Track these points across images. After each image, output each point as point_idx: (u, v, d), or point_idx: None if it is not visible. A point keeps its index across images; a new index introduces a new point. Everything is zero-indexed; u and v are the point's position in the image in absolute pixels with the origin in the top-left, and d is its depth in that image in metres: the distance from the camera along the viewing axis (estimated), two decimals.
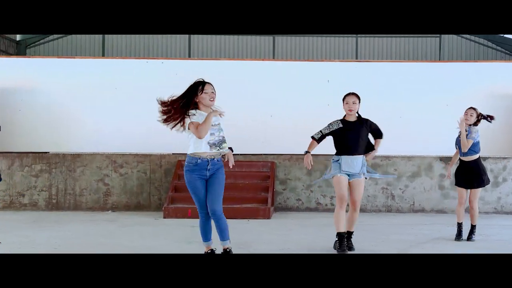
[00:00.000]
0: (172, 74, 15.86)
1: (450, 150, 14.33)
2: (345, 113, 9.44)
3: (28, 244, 9.73)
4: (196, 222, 10.99)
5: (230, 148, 7.87)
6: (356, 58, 21.49)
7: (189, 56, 21.60)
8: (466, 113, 10.75)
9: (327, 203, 14.97)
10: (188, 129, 7.62)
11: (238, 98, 15.33)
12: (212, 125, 7.62)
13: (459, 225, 10.71)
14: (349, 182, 9.21)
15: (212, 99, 7.75)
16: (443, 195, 14.82)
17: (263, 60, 17.63)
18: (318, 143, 9.54)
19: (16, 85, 16.09)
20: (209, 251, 8.02)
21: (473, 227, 10.67)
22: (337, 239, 9.19)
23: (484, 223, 12.53)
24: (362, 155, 9.31)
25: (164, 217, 13.31)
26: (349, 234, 9.42)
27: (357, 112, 9.47)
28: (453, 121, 15.29)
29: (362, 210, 14.22)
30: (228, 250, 7.81)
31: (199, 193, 7.77)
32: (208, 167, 7.68)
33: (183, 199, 13.65)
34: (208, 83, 7.85)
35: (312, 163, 9.41)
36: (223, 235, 7.79)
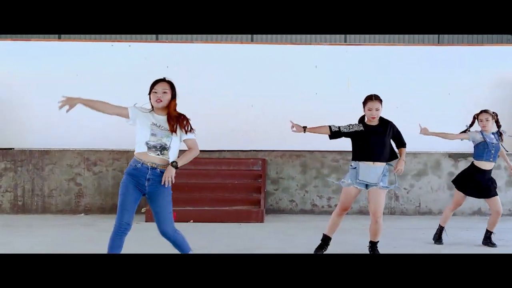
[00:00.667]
0: (141, 59, 15.36)
1: (458, 145, 13.54)
2: (365, 116, 9.01)
3: (11, 252, 9.20)
4: (184, 226, 10.15)
5: (174, 164, 7.01)
6: (345, 41, 20.42)
7: (157, 39, 20.49)
8: (480, 119, 9.98)
9: (323, 204, 14.32)
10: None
11: (215, 85, 14.81)
12: (158, 126, 7.07)
13: (442, 229, 10.45)
14: (368, 192, 8.95)
15: (158, 100, 7.09)
16: (452, 196, 13.42)
17: (241, 43, 16.66)
18: (330, 137, 9.06)
19: None
20: None
21: (490, 234, 10.27)
22: (321, 240, 9.31)
23: (502, 226, 11.74)
24: (384, 164, 8.89)
25: (146, 221, 12.48)
26: (374, 244, 9.15)
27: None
28: (455, 110, 14.85)
29: (363, 213, 13.97)
30: None
31: (126, 198, 7.03)
32: (148, 177, 6.96)
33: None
34: (164, 81, 7.26)
35: (295, 129, 9.00)
36: (184, 249, 7.39)
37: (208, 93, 14.04)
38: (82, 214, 13.82)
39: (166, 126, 7.10)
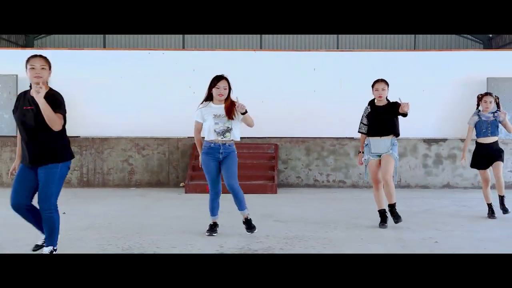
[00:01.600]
0: (172, 64, 17.06)
1: (431, 131, 15.84)
2: (374, 98, 9.50)
3: (87, 216, 10.29)
4: None
5: (245, 112, 8.18)
6: (337, 48, 22.40)
7: (184, 47, 22.46)
8: (484, 101, 10.36)
9: (323, 180, 15.92)
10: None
11: (232, 85, 15.95)
12: (218, 116, 8.22)
13: (490, 205, 10.56)
14: (379, 161, 9.35)
15: (220, 94, 8.22)
16: (426, 173, 15.84)
17: (254, 50, 18.33)
18: (367, 134, 9.48)
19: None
20: (213, 223, 8.59)
21: (502, 198, 10.56)
22: (379, 216, 9.49)
23: (466, 196, 13.91)
24: (392, 137, 9.32)
25: (186, 192, 14.26)
26: (391, 206, 9.36)
27: (386, 98, 9.47)
28: (429, 105, 16.58)
29: (354, 186, 15.63)
30: (248, 218, 8.49)
31: (211, 172, 8.31)
32: (221, 151, 8.25)
33: (201, 177, 14.49)
34: (224, 78, 8.34)
35: (362, 161, 9.61)
36: (241, 206, 8.40)
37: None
38: (134, 188, 15.37)
39: (224, 113, 8.23)
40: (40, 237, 7.13)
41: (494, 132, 10.39)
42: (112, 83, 16.53)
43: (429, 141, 16.02)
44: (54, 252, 6.78)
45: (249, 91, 16.76)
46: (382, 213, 9.47)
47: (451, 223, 10.01)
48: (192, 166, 15.10)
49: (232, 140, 8.39)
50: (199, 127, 8.47)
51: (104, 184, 15.58)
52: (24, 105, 6.64)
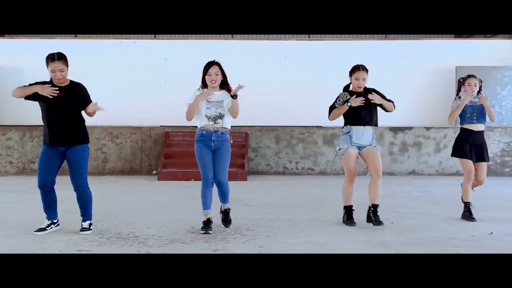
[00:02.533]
0: (143, 53, 17.93)
1: (397, 120, 16.37)
2: (352, 85, 8.89)
3: (63, 201, 9.70)
4: (187, 183, 12.74)
5: (235, 96, 8.08)
6: (309, 37, 22.93)
7: (155, 37, 22.85)
8: (469, 83, 9.31)
9: (293, 167, 16.63)
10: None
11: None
12: (210, 101, 8.02)
13: (468, 205, 9.41)
14: (361, 154, 8.75)
15: (213, 80, 8.06)
16: (392, 160, 16.64)
17: (225, 39, 18.94)
18: (349, 123, 8.81)
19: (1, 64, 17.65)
20: (206, 220, 8.14)
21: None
22: (344, 212, 8.87)
23: (429, 182, 14.67)
24: (372, 128, 8.78)
25: (158, 180, 14.91)
26: (375, 207, 8.63)
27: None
28: (399, 93, 17.06)
29: (322, 173, 16.32)
30: (227, 211, 8.54)
31: (204, 160, 8.08)
32: (213, 138, 8.05)
33: (173, 165, 15.41)
34: (215, 64, 8.18)
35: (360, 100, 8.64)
36: (225, 200, 8.43)
37: (199, 80, 16.44)
38: (108, 176, 15.93)
39: (218, 98, 8.10)
40: (43, 222, 8.09)
41: (481, 119, 9.29)
42: (83, 73, 16.49)
43: (395, 129, 16.70)
44: (91, 225, 8.05)
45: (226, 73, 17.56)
46: (349, 209, 8.86)
47: (409, 206, 10.75)
48: (164, 154, 15.74)
49: (225, 128, 8.25)
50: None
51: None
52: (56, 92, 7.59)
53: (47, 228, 7.94)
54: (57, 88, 7.63)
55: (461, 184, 9.58)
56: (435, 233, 8.21)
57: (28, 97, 7.78)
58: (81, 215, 8.08)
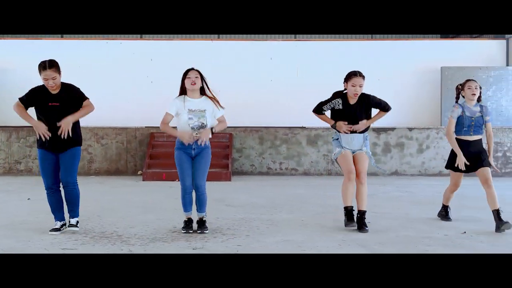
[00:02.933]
0: (130, 53, 18.22)
1: (383, 120, 16.50)
2: (347, 91, 8.65)
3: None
4: (172, 184, 12.93)
5: (212, 129, 8.14)
6: (295, 38, 23.25)
7: (141, 37, 23.15)
8: (469, 86, 8.86)
9: (276, 168, 16.88)
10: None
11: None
12: (192, 110, 8.07)
13: (446, 207, 9.53)
14: (353, 156, 8.66)
15: (192, 83, 8.10)
16: (375, 160, 15.99)
17: (211, 40, 19.25)
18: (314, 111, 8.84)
19: None
20: (187, 219, 8.42)
21: (498, 212, 8.59)
22: (345, 214, 8.70)
23: (411, 183, 14.93)
24: (363, 133, 8.70)
25: (143, 180, 15.16)
26: (361, 214, 8.59)
27: None
28: (384, 93, 17.38)
29: (306, 174, 16.54)
30: (203, 220, 8.47)
31: (183, 166, 8.19)
32: (193, 147, 8.12)
33: (158, 165, 15.66)
34: (194, 70, 8.25)
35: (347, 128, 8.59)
36: (202, 208, 8.38)
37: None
38: (93, 176, 16.12)
39: (200, 107, 8.12)
40: (55, 224, 8.40)
41: (478, 132, 8.89)
42: (69, 73, 16.84)
43: (378, 130, 16.90)
44: (78, 223, 8.43)
45: (207, 81, 17.88)
46: (350, 211, 8.67)
47: (389, 206, 11.03)
48: (149, 155, 15.99)
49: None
50: (168, 120, 8.29)
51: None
52: (49, 101, 7.96)
53: (61, 229, 8.29)
54: (49, 134, 7.91)
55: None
56: (410, 232, 8.46)
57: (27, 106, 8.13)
58: (69, 212, 8.42)
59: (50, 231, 8.16)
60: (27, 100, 8.07)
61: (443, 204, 9.53)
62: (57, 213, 8.32)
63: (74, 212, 8.44)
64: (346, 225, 8.63)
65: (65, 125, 7.86)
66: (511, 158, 16.91)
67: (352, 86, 8.48)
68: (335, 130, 8.76)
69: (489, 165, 8.81)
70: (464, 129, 8.83)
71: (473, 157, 8.80)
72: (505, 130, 16.99)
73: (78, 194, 8.44)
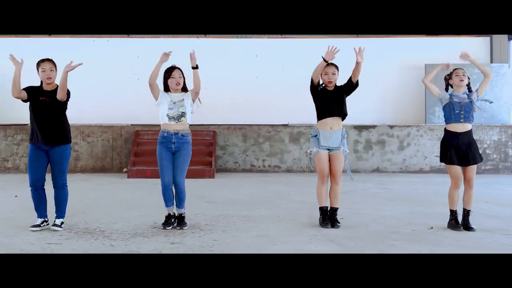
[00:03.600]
0: (117, 51, 18.58)
1: (362, 118, 17.10)
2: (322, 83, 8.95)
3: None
4: (155, 181, 12.87)
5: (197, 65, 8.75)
6: (281, 34, 23.58)
7: (129, 35, 23.51)
8: (456, 73, 8.88)
9: (259, 165, 17.32)
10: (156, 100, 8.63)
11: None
12: (174, 102, 8.51)
13: (454, 213, 8.90)
14: (329, 156, 8.83)
15: (177, 83, 8.58)
16: (357, 158, 17.35)
17: (197, 37, 19.50)
18: (318, 124, 9.04)
19: None
20: (168, 214, 8.77)
21: (468, 213, 8.80)
22: (320, 214, 8.92)
23: (391, 180, 15.35)
24: (341, 129, 8.90)
25: (128, 177, 15.53)
26: (333, 210, 8.89)
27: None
28: (368, 91, 17.29)
29: (289, 171, 16.95)
30: (182, 216, 8.78)
31: (163, 163, 8.54)
32: (173, 140, 8.47)
33: (143, 163, 16.04)
34: (177, 68, 8.71)
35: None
36: (181, 205, 8.72)
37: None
38: (79, 173, 16.41)
39: (180, 98, 8.56)
40: (36, 220, 8.71)
41: (469, 118, 8.71)
42: (58, 71, 17.70)
43: (359, 128, 17.38)
44: (63, 224, 8.67)
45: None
46: (325, 211, 8.89)
47: (364, 202, 11.44)
48: (134, 152, 16.38)
49: (188, 130, 8.67)
50: (158, 90, 8.71)
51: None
52: (40, 96, 8.45)
53: (41, 225, 8.61)
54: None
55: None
56: (380, 227, 8.86)
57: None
58: (56, 211, 8.75)
59: (30, 227, 8.53)
60: (26, 88, 8.49)
61: (450, 210, 8.90)
62: (40, 210, 8.64)
63: (61, 212, 8.75)
64: (321, 224, 8.82)
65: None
66: (490, 156, 17.32)
67: (325, 74, 8.90)
68: (314, 127, 8.99)
69: (481, 160, 8.89)
70: (456, 112, 8.65)
71: (464, 150, 8.66)
72: (484, 127, 17.40)
73: (67, 194, 8.81)
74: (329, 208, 8.91)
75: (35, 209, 8.65)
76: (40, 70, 8.51)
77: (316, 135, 8.88)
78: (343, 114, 8.92)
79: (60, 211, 8.75)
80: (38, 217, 8.65)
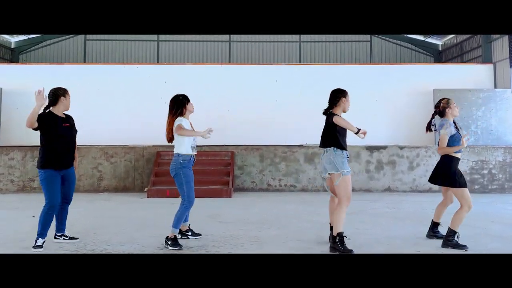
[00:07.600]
0: (145, 77, 18.44)
1: (375, 139, 16.65)
2: (341, 109, 8.55)
3: (74, 214, 10.65)
4: (174, 200, 12.83)
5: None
6: (300, 61, 23.61)
7: (158, 61, 23.63)
8: (455, 105, 8.81)
9: (276, 184, 16.85)
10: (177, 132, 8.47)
11: (200, 95, 16.99)
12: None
13: (437, 225, 9.18)
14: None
15: (193, 108, 8.89)
16: (369, 177, 16.85)
17: (221, 64, 19.52)
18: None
19: (13, 88, 17.96)
20: (180, 232, 9.00)
21: (454, 233, 8.51)
22: (339, 239, 8.12)
23: (402, 199, 14.86)
24: (331, 149, 8.29)
25: (148, 197, 15.10)
26: (334, 237, 8.23)
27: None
28: (381, 114, 17.65)
29: (304, 190, 16.55)
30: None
31: (192, 184, 8.58)
32: (193, 163, 8.70)
33: (162, 182, 15.59)
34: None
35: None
36: (185, 218, 8.92)
37: (195, 102, 16.71)
38: (102, 193, 16.13)
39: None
40: (27, 239, 8.78)
41: None
42: (89, 96, 17.70)
43: (371, 149, 16.90)
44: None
45: (217, 102, 18.15)
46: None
47: (371, 222, 10.92)
48: (155, 173, 15.97)
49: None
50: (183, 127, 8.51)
51: (76, 189, 15.94)
52: (63, 123, 8.56)
53: (65, 238, 8.89)
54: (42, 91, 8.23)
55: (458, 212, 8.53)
56: (384, 248, 8.41)
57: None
58: (63, 227, 8.92)
59: (34, 247, 8.31)
60: (38, 119, 8.25)
61: (455, 232, 8.49)
62: (47, 231, 8.44)
63: (64, 227, 8.96)
64: (344, 251, 8.08)
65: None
66: (496, 176, 16.72)
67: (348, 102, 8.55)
68: (344, 150, 8.30)
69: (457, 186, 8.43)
70: (458, 140, 8.53)
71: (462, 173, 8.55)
72: (489, 148, 16.91)
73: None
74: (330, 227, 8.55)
75: (45, 229, 8.38)
76: (67, 97, 8.69)
77: (348, 157, 8.36)
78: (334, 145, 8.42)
79: (64, 226, 8.98)
80: (44, 237, 8.44)
